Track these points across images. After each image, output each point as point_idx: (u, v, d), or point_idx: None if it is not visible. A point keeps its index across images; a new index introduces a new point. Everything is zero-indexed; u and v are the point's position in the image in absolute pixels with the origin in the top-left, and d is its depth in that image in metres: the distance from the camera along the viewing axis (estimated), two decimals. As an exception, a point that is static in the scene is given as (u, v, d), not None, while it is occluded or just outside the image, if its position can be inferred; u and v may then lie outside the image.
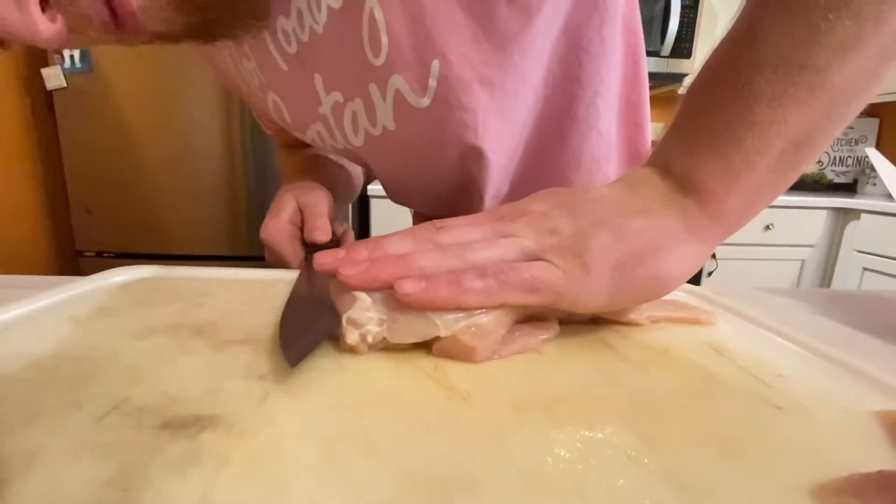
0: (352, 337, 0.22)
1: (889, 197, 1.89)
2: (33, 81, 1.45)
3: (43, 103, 1.50)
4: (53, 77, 1.38)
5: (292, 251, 0.42)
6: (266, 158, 1.47)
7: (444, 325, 0.22)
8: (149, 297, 0.31)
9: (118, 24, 0.26)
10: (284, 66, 0.40)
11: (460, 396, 0.20)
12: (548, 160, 0.43)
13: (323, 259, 0.24)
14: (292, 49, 0.38)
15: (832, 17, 0.22)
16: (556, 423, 0.18)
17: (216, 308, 0.29)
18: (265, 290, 0.33)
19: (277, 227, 0.42)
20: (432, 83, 0.35)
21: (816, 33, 0.22)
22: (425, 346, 0.24)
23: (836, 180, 2.37)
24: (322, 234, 0.42)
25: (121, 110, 1.43)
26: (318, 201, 0.44)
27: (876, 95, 0.25)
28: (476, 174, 0.42)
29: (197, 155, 1.46)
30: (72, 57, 1.38)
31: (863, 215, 1.89)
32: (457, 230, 0.26)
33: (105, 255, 1.52)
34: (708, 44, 2.00)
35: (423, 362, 0.23)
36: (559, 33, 0.37)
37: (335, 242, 0.43)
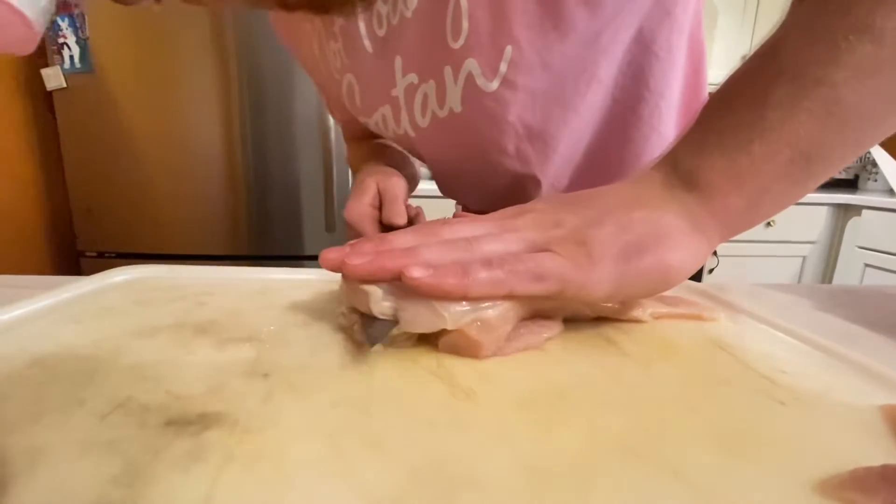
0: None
1: (891, 192, 1.89)
2: (33, 82, 1.44)
3: (43, 104, 1.50)
4: (53, 77, 1.38)
5: (372, 232, 0.45)
6: (266, 158, 1.47)
7: (452, 318, 0.22)
8: (151, 297, 0.31)
9: None
10: (370, 48, 0.43)
11: (464, 393, 0.20)
12: (610, 158, 0.45)
13: (329, 255, 0.24)
14: (382, 32, 0.42)
15: (853, 38, 0.22)
16: (560, 420, 0.18)
17: (218, 307, 0.29)
18: (266, 289, 0.33)
19: (359, 210, 0.45)
20: (503, 67, 0.37)
21: (837, 52, 0.22)
22: (429, 344, 0.24)
23: (838, 176, 2.37)
24: (399, 217, 0.45)
25: (121, 110, 1.43)
26: (396, 186, 0.47)
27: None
28: (534, 161, 0.43)
29: (197, 154, 1.46)
30: (71, 57, 1.38)
31: (864, 211, 1.89)
32: (462, 226, 0.27)
33: (106, 255, 1.52)
34: (708, 41, 2.00)
35: (427, 360, 0.23)
36: (633, 37, 0.39)
37: (410, 225, 0.46)
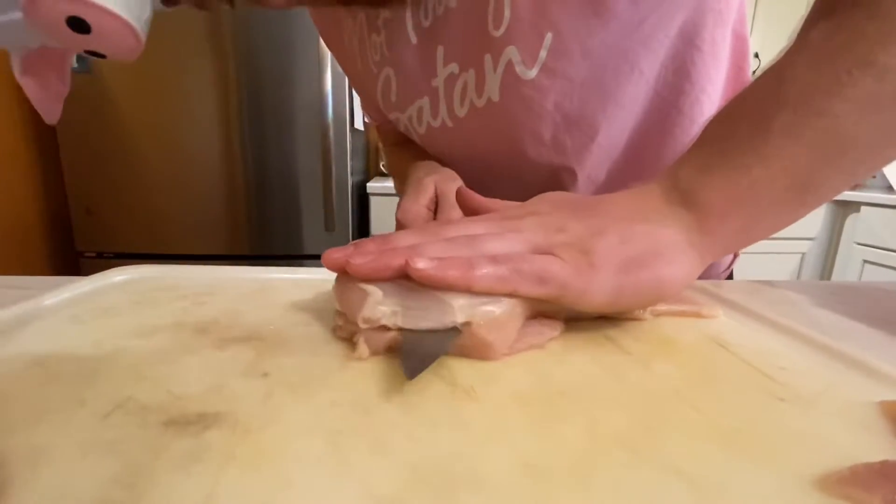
0: (363, 350, 0.22)
1: (889, 189, 1.89)
2: (31, 82, 1.44)
3: (41, 104, 1.50)
4: (51, 77, 1.38)
5: None
6: (265, 157, 1.47)
7: (461, 310, 0.22)
8: (150, 297, 0.31)
9: None
10: (414, 39, 0.44)
11: (464, 392, 0.20)
12: (650, 152, 0.45)
13: (332, 255, 0.24)
14: (427, 22, 0.42)
15: (856, 73, 0.23)
16: (560, 418, 0.18)
17: (218, 307, 0.29)
18: (266, 288, 0.33)
19: (415, 211, 0.43)
20: (543, 54, 0.38)
21: (839, 85, 0.23)
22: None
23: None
24: None
25: (119, 111, 1.42)
26: (454, 191, 0.45)
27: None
28: (570, 150, 0.43)
29: (196, 154, 1.46)
30: (69, 57, 1.37)
31: (863, 208, 1.89)
32: (465, 225, 0.27)
33: (105, 255, 1.52)
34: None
35: (426, 358, 0.23)
36: (677, 31, 0.39)
37: None
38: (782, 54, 0.27)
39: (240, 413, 0.17)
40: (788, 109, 0.24)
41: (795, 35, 0.27)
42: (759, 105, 0.26)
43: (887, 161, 0.26)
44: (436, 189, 0.44)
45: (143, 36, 0.29)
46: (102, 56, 0.30)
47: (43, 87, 0.35)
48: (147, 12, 0.30)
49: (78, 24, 0.27)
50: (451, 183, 0.44)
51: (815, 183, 0.25)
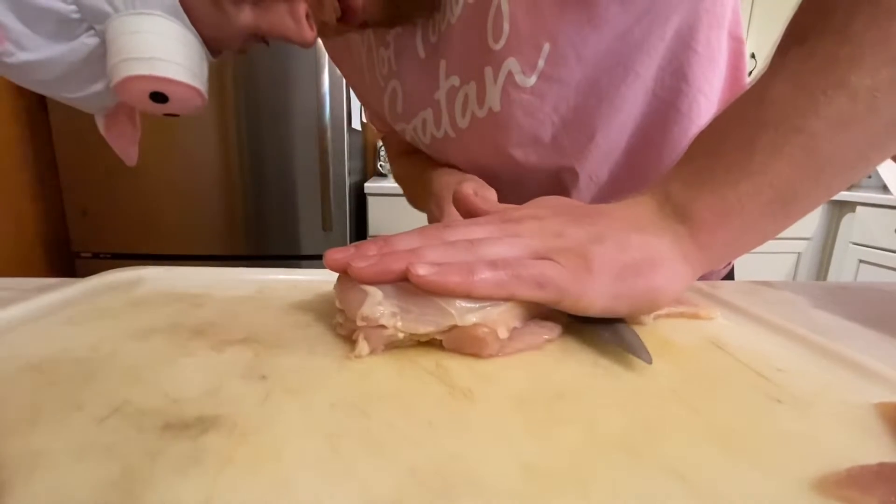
0: (362, 347, 0.23)
1: (885, 189, 1.90)
2: (26, 82, 1.43)
3: (36, 104, 1.49)
4: (47, 77, 1.37)
5: None
6: (263, 158, 1.47)
7: (458, 314, 0.23)
8: (147, 298, 0.31)
9: (344, 20, 0.37)
10: (422, 54, 0.46)
11: (462, 393, 0.20)
12: (650, 152, 0.46)
13: (334, 255, 0.24)
14: (434, 38, 0.45)
15: (831, 93, 0.24)
16: (559, 419, 0.18)
17: (216, 308, 0.29)
18: (264, 289, 0.33)
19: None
20: (540, 63, 0.39)
21: (816, 104, 0.25)
22: (427, 345, 0.24)
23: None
24: None
25: (115, 110, 1.42)
26: (492, 196, 0.46)
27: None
28: (570, 150, 0.45)
29: (193, 155, 1.45)
30: (65, 57, 1.36)
31: (858, 208, 1.90)
32: (464, 228, 0.27)
33: (101, 256, 1.52)
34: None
35: (425, 360, 0.23)
36: (672, 34, 0.40)
37: None
38: (758, 78, 0.28)
39: (238, 416, 0.17)
40: (770, 128, 0.26)
41: (769, 59, 0.29)
42: (742, 124, 0.27)
43: (862, 175, 0.27)
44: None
45: (206, 94, 0.35)
46: (175, 115, 0.37)
47: (122, 136, 0.42)
48: (206, 71, 0.35)
49: (158, 96, 0.33)
50: (486, 190, 0.46)
51: (798, 196, 0.26)
